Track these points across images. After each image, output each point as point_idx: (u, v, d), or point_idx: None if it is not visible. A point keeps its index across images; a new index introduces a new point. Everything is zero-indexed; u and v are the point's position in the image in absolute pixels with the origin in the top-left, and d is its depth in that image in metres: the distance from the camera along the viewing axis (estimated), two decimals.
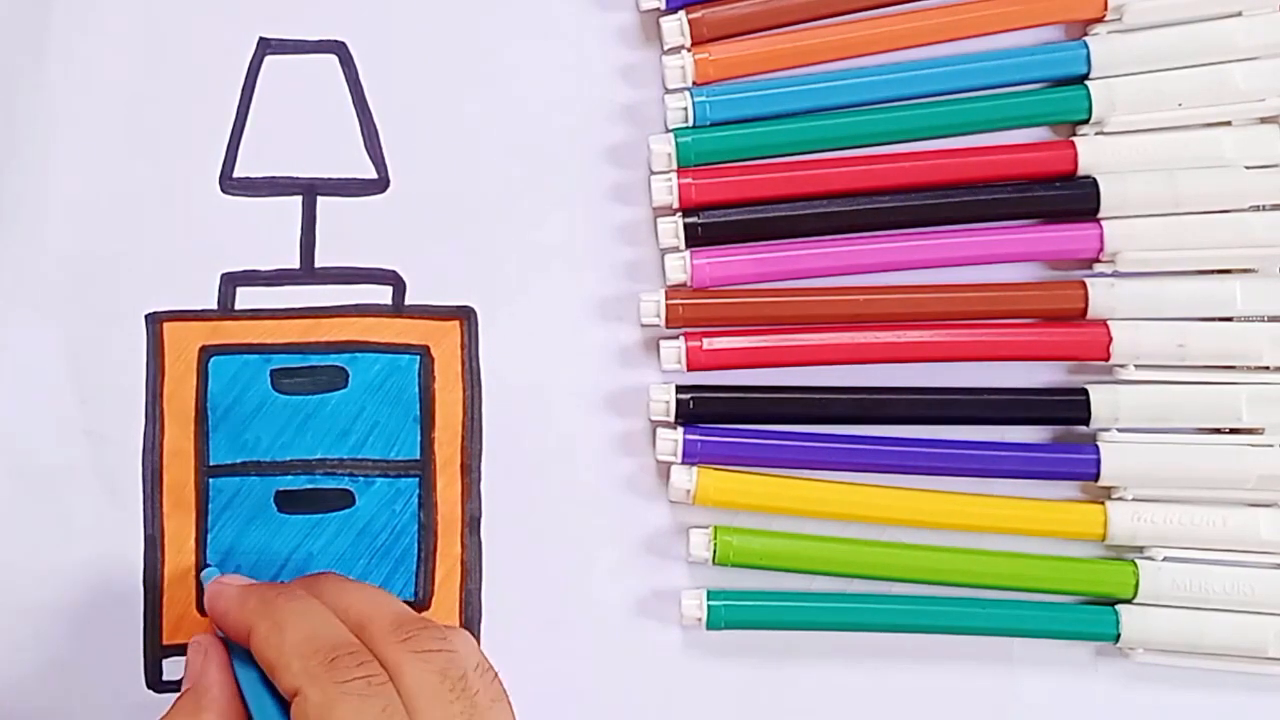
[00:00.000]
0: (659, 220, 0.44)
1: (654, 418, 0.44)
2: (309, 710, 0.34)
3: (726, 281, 0.44)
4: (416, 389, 0.44)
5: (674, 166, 0.44)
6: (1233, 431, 0.44)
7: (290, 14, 0.45)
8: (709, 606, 0.43)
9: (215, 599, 0.39)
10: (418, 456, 0.44)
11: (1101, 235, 0.44)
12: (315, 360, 0.44)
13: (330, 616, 0.37)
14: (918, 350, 0.43)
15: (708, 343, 0.43)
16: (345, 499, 0.44)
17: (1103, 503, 0.44)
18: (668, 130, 0.44)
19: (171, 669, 0.43)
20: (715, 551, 0.43)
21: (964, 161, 0.44)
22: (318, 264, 0.44)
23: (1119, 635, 0.43)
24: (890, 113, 0.44)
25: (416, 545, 0.44)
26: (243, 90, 0.45)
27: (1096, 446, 0.43)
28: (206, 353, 0.44)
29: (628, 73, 0.45)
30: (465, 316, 0.44)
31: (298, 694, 0.35)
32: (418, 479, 0.44)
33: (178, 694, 0.43)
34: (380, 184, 0.45)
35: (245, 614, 0.37)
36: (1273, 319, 0.44)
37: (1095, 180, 0.44)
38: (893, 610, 0.43)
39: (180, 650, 0.43)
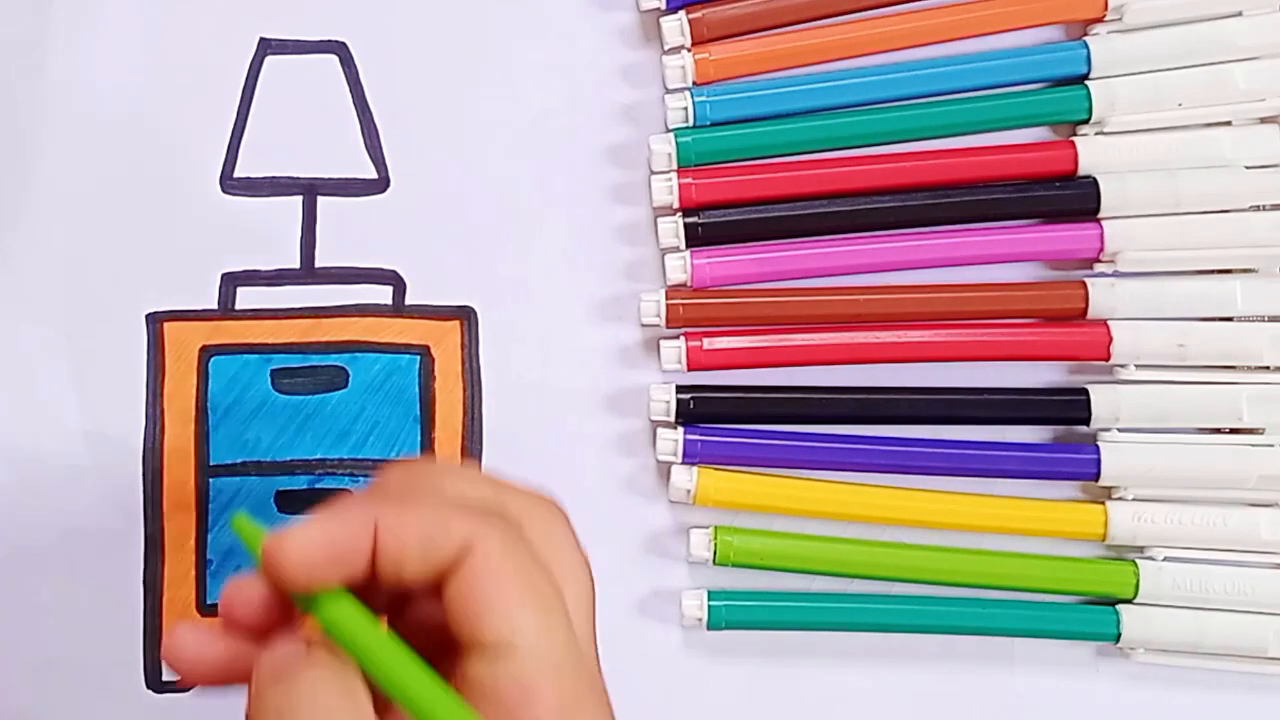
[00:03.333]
0: (659, 220, 0.44)
1: (654, 418, 0.44)
2: (489, 561, 0.29)
3: (726, 281, 0.44)
4: (417, 389, 0.44)
5: (674, 166, 0.44)
6: (1233, 431, 0.44)
7: (290, 14, 0.45)
8: (709, 606, 0.43)
9: (304, 547, 0.28)
10: (418, 456, 0.44)
11: (1102, 235, 0.44)
12: (315, 360, 0.44)
13: (464, 476, 0.32)
14: (918, 350, 0.43)
15: (708, 343, 0.43)
16: None
17: (1103, 503, 0.44)
18: (668, 130, 0.44)
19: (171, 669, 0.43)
20: (715, 551, 0.43)
21: (964, 161, 0.44)
22: (318, 264, 0.44)
23: (1119, 635, 0.43)
24: (890, 113, 0.44)
25: None
26: (243, 90, 0.45)
27: (1097, 446, 0.43)
28: (207, 353, 0.44)
29: (628, 73, 0.45)
30: (465, 316, 0.44)
31: (468, 551, 0.29)
32: None
33: (178, 693, 0.43)
34: (380, 184, 0.45)
35: (357, 515, 0.29)
36: (1273, 319, 0.44)
37: (1095, 180, 0.44)
38: (893, 610, 0.43)
39: None
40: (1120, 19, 0.44)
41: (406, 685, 0.29)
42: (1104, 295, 0.44)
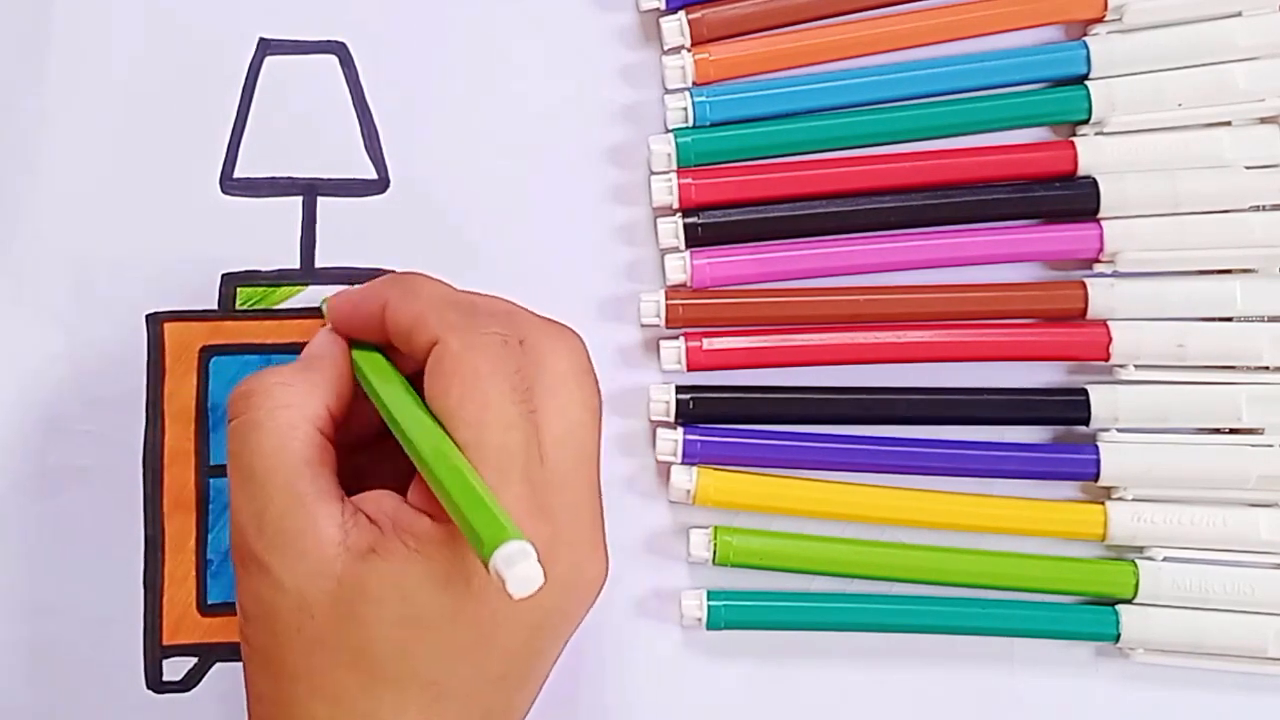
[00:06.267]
0: (659, 220, 0.44)
1: (654, 418, 0.44)
2: (446, 357, 0.34)
3: (726, 281, 0.44)
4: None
5: (674, 166, 0.44)
6: (1233, 431, 0.44)
7: (290, 14, 0.45)
8: (709, 606, 0.43)
9: (339, 299, 0.38)
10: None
11: (1101, 235, 0.44)
12: None
13: (460, 290, 0.37)
14: (918, 350, 0.43)
15: (708, 343, 0.44)
16: None
17: (1103, 503, 0.44)
18: (668, 130, 0.44)
19: (171, 669, 0.43)
20: (715, 551, 0.43)
21: (964, 161, 0.44)
22: (318, 264, 0.44)
23: (1119, 635, 0.43)
24: (890, 113, 0.44)
25: None
26: (243, 90, 0.45)
27: (1096, 446, 0.43)
28: (207, 353, 0.44)
29: (628, 73, 0.45)
30: None
31: (436, 344, 0.35)
32: None
33: (178, 693, 0.43)
34: (380, 184, 0.45)
35: (375, 293, 0.37)
36: (1273, 319, 0.44)
37: (1095, 180, 0.44)
38: (893, 610, 0.43)
39: (180, 650, 0.43)
40: (1120, 19, 0.44)
41: (399, 415, 0.35)
42: (1103, 295, 0.44)
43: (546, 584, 0.31)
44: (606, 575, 0.37)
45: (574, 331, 0.38)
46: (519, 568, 0.30)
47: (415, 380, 0.36)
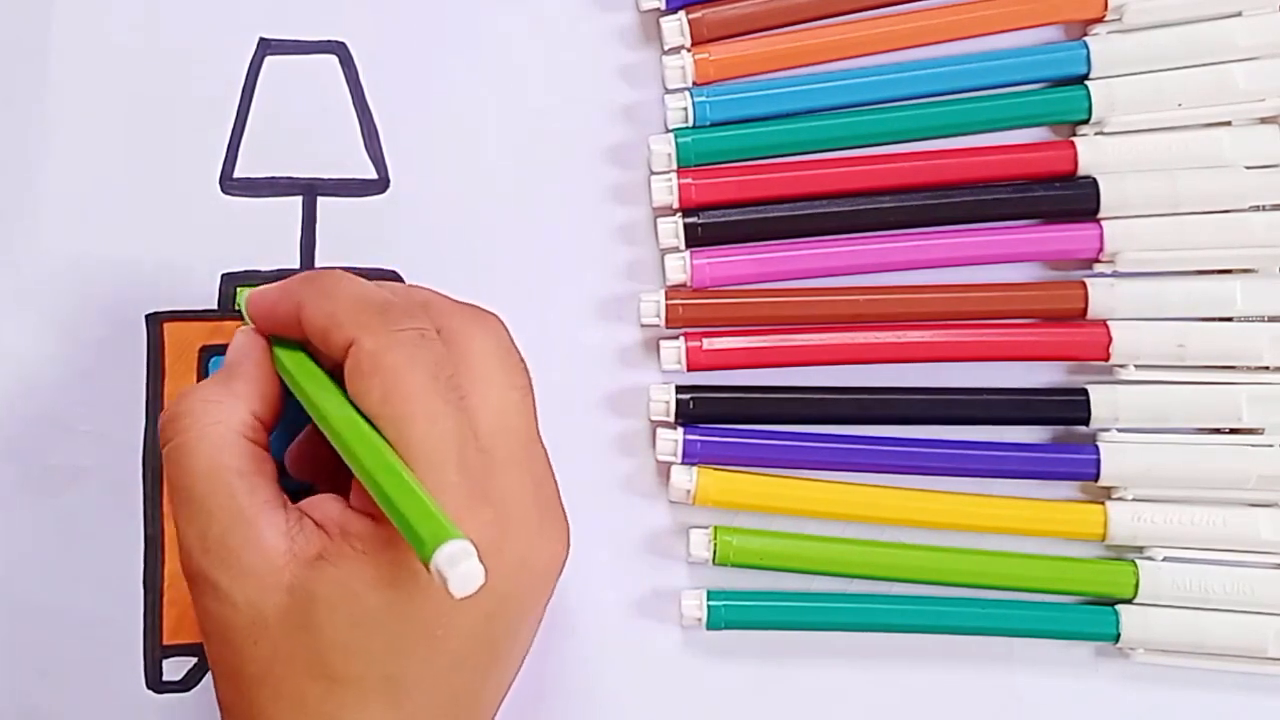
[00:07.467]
0: (659, 220, 0.44)
1: (654, 418, 0.44)
2: (362, 357, 0.34)
3: (726, 281, 0.44)
4: None
5: (674, 166, 0.44)
6: (1233, 431, 0.44)
7: (290, 14, 0.45)
8: (709, 606, 0.43)
9: (257, 298, 0.38)
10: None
11: (1101, 235, 0.44)
12: None
13: (375, 286, 0.37)
14: (918, 350, 0.43)
15: (708, 343, 0.44)
16: None
17: (1103, 503, 0.44)
18: (668, 130, 0.44)
19: (171, 669, 0.43)
20: (715, 551, 0.43)
21: (964, 161, 0.44)
22: (318, 264, 0.44)
23: (1119, 635, 0.43)
24: (890, 113, 0.44)
25: None
26: (243, 90, 0.45)
27: (1096, 446, 0.43)
28: (207, 353, 0.44)
29: (628, 73, 0.45)
30: None
31: (351, 345, 0.35)
32: None
33: (178, 693, 0.43)
34: (380, 184, 0.45)
35: (291, 292, 0.37)
36: (1273, 319, 0.44)
37: (1095, 180, 0.44)
38: (893, 610, 0.43)
39: (180, 650, 0.43)
40: (1120, 19, 0.44)
41: (329, 417, 0.34)
42: (1104, 295, 0.44)
43: (497, 569, 0.31)
44: (566, 554, 0.37)
45: (493, 314, 0.38)
46: (460, 567, 0.30)
47: (339, 375, 0.36)
